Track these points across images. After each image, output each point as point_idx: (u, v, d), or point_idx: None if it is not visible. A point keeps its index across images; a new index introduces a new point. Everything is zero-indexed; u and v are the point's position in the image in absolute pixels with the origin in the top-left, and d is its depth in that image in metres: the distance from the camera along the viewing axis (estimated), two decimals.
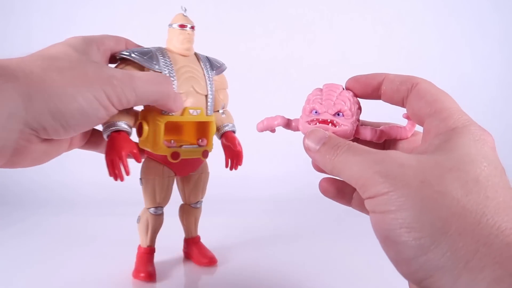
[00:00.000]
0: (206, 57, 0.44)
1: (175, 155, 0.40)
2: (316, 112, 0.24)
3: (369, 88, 0.25)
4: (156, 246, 0.46)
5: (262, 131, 0.28)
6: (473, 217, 0.16)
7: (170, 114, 0.40)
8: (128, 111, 0.39)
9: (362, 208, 0.26)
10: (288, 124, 0.27)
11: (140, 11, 0.99)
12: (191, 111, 0.40)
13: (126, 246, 0.47)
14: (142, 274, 0.43)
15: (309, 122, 0.25)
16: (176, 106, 0.38)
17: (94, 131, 0.39)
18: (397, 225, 0.17)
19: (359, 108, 0.25)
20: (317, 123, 0.24)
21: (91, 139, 0.39)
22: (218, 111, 0.46)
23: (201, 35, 0.94)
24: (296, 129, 0.27)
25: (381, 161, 0.19)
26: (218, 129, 0.46)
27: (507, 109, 1.09)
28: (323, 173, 0.27)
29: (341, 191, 0.27)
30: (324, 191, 0.28)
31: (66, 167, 0.86)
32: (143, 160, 0.44)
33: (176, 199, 0.48)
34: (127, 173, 0.35)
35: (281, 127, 0.28)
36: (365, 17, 1.08)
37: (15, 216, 0.70)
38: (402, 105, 0.24)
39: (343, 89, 0.25)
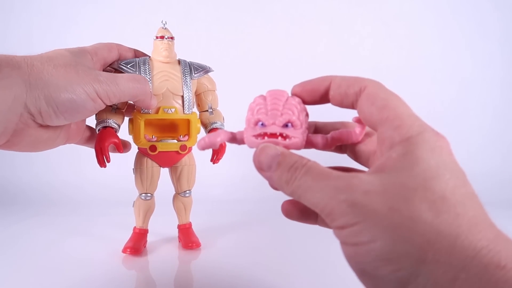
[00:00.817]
0: (189, 62, 0.51)
1: (152, 147, 0.49)
2: (262, 124, 0.22)
3: (316, 95, 0.23)
4: (156, 232, 0.54)
5: (203, 149, 0.25)
6: (448, 240, 0.16)
7: (147, 112, 0.47)
8: (116, 112, 0.46)
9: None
10: (233, 138, 0.25)
11: (140, 11, 1.02)
12: (165, 109, 0.47)
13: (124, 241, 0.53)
14: (128, 250, 0.51)
15: (256, 137, 0.22)
16: (152, 103, 0.44)
17: (91, 129, 0.46)
18: (372, 257, 0.17)
19: (307, 115, 0.24)
20: (266, 137, 0.22)
21: (87, 135, 0.46)
22: (206, 110, 0.53)
23: (201, 36, 0.99)
24: (242, 142, 0.24)
25: (345, 189, 0.18)
26: (206, 127, 0.53)
27: (508, 109, 1.10)
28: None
29: (305, 212, 0.25)
30: (287, 214, 0.26)
31: (71, 167, 0.93)
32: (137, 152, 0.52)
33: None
34: (108, 160, 0.43)
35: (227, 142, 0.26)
36: (365, 17, 1.09)
37: (22, 214, 0.75)
38: (353, 108, 0.23)
39: (289, 95, 0.23)
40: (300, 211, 0.25)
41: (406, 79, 1.07)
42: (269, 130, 0.22)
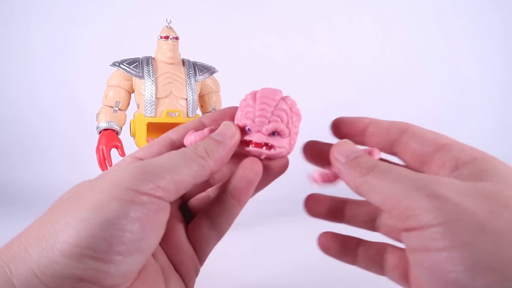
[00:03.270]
0: (193, 63, 0.51)
1: None
2: (249, 129, 0.21)
3: (354, 130, 0.22)
4: None
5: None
6: None
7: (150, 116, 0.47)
8: (118, 113, 0.46)
9: (370, 265, 0.23)
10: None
11: (140, 11, 1.02)
12: (169, 113, 0.47)
13: None
14: None
15: (241, 143, 0.21)
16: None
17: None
18: (468, 264, 0.14)
19: (298, 117, 0.22)
20: (251, 145, 0.21)
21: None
22: (209, 112, 0.53)
23: (201, 36, 0.99)
24: None
25: (431, 183, 0.15)
26: None
27: (509, 109, 1.10)
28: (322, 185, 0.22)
29: (345, 246, 0.23)
30: (325, 248, 0.23)
31: (71, 167, 0.93)
32: None
33: None
34: (110, 165, 0.43)
35: None
36: (365, 17, 1.09)
37: (22, 214, 0.73)
38: (390, 150, 0.21)
39: (282, 97, 0.22)
40: (340, 245, 0.23)
41: (408, 80, 1.07)
42: (254, 139, 0.21)
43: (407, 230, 0.16)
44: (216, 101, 0.53)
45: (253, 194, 0.22)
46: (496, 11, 1.10)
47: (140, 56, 0.49)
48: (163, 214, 0.17)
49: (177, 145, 0.22)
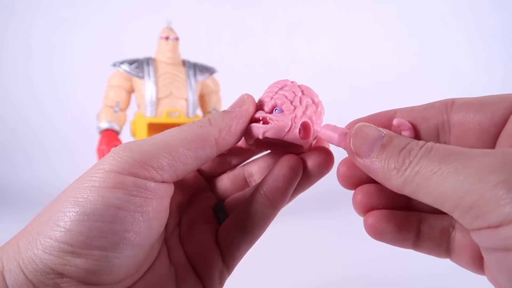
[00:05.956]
0: (193, 63, 0.51)
1: None
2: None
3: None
4: None
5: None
6: None
7: (150, 116, 0.47)
8: (118, 113, 0.46)
9: (433, 248, 0.17)
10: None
11: (140, 11, 1.03)
12: (170, 113, 0.47)
13: None
14: None
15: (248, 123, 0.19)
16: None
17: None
18: None
19: (321, 109, 0.20)
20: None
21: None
22: (210, 112, 0.53)
23: (201, 36, 0.99)
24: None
25: (504, 167, 0.12)
26: None
27: None
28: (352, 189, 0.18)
29: (403, 226, 0.17)
30: (376, 232, 0.17)
31: (70, 167, 0.93)
32: None
33: None
34: None
35: None
36: (365, 17, 1.10)
37: (22, 214, 0.73)
38: (436, 139, 0.17)
39: (293, 82, 0.21)
40: (396, 225, 0.17)
41: (408, 81, 1.07)
42: (256, 115, 0.19)
43: (477, 229, 0.12)
44: (216, 101, 0.53)
45: (292, 197, 0.19)
46: (496, 11, 1.10)
47: (141, 57, 0.49)
48: (157, 200, 0.15)
49: None
